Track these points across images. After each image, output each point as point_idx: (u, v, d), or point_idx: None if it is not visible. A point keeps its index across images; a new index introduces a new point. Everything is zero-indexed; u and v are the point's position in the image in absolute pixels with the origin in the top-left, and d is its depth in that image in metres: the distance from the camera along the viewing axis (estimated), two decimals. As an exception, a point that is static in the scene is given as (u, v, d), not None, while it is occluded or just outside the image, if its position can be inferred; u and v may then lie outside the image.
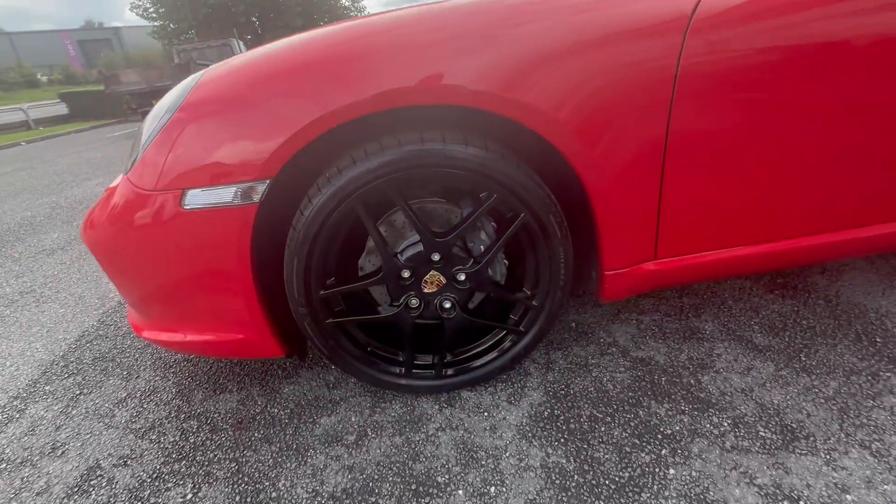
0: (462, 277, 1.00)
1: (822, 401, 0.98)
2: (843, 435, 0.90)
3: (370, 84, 0.81)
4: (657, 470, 0.87)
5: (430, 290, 1.01)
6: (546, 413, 1.03)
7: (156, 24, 21.88)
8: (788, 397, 1.00)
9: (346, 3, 25.81)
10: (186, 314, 1.02)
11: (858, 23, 0.84)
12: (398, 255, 0.99)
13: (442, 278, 1.00)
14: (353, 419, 1.08)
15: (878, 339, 1.14)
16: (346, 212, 0.90)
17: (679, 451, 0.90)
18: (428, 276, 1.00)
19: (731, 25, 0.82)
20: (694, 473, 0.85)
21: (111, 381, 1.32)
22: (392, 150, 0.85)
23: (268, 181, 0.85)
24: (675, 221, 0.98)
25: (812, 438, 0.90)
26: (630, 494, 0.83)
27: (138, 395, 1.25)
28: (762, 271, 1.09)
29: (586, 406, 1.04)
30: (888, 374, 1.03)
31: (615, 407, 1.03)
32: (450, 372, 1.10)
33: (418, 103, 0.83)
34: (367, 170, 0.86)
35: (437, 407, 1.09)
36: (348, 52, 0.84)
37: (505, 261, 1.10)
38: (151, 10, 21.75)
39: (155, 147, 0.88)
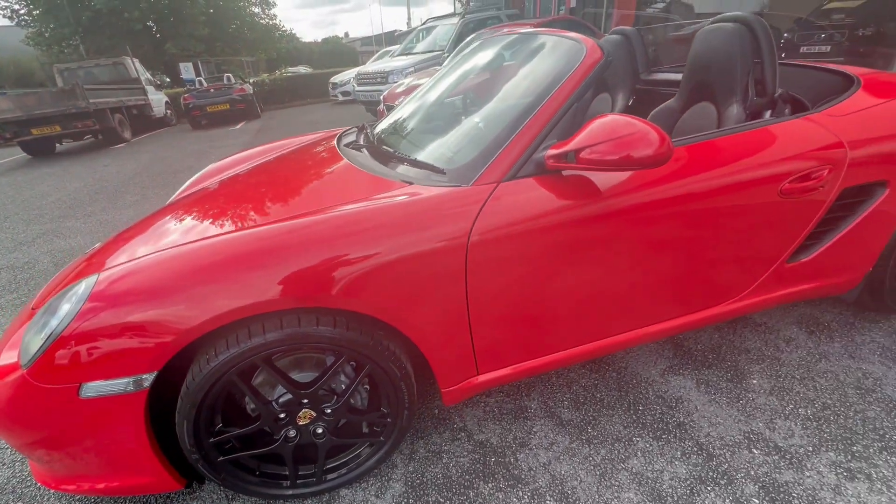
0: (329, 411, 1.29)
1: (592, 467, 1.40)
2: (598, 497, 1.32)
3: (233, 299, 1.07)
4: (473, 544, 1.22)
5: (304, 422, 1.28)
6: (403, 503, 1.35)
7: (29, 28, 19.37)
8: (571, 467, 1.41)
9: (257, 10, 24.74)
10: (91, 469, 1.19)
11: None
12: (275, 402, 1.25)
13: (313, 412, 1.28)
14: (247, 530, 1.32)
15: (640, 407, 1.61)
16: (225, 383, 1.14)
17: (491, 526, 1.26)
18: (301, 413, 1.27)
19: (494, 231, 1.20)
20: (496, 544, 1.22)
21: (14, 518, 1.42)
22: (258, 336, 1.11)
23: (155, 373, 1.07)
24: (486, 351, 1.35)
25: (579, 503, 1.31)
26: (451, 568, 1.17)
27: (44, 531, 1.37)
28: (566, 366, 1.50)
29: (433, 493, 1.37)
30: (638, 439, 1.49)
31: (454, 491, 1.37)
32: (328, 477, 1.38)
33: (270, 310, 1.10)
34: (238, 352, 1.11)
35: (318, 508, 1.36)
36: (215, 267, 1.09)
37: (367, 387, 1.41)
38: (23, 11, 19.22)
39: (49, 351, 1.05)
